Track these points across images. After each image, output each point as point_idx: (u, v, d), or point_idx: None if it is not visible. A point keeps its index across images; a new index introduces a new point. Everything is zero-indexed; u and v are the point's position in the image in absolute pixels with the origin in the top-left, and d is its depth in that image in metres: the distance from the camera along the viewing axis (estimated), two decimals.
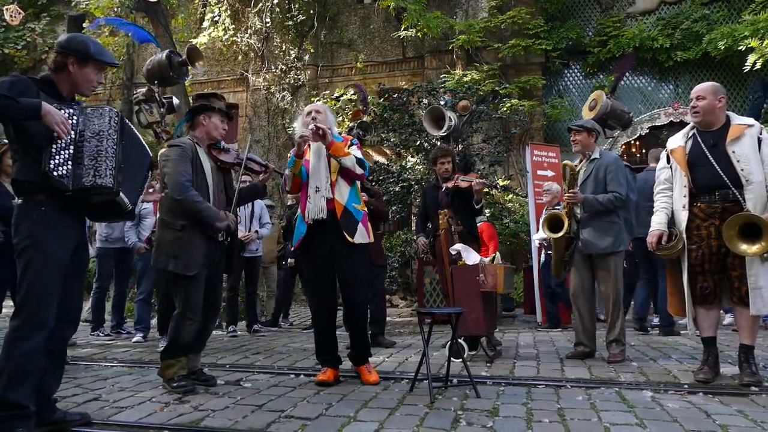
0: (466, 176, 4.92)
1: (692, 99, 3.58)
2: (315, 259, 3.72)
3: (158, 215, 3.62)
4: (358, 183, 3.82)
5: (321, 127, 3.56)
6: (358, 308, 3.76)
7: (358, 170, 3.65)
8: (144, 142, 2.97)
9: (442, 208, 4.90)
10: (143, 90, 5.66)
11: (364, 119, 8.02)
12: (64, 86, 2.70)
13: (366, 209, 3.85)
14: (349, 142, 3.77)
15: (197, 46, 6.69)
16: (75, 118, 2.58)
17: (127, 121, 2.83)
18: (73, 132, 2.55)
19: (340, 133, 4.13)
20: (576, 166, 4.58)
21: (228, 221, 3.55)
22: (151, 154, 3.02)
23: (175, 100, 5.72)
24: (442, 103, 7.87)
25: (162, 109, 5.57)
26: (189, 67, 5.89)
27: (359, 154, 3.72)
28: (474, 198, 4.83)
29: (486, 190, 5.46)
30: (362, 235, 3.68)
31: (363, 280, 3.80)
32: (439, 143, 8.36)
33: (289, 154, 3.83)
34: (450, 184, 4.90)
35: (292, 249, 4.13)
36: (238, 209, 6.27)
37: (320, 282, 3.74)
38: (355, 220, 3.66)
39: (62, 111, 2.54)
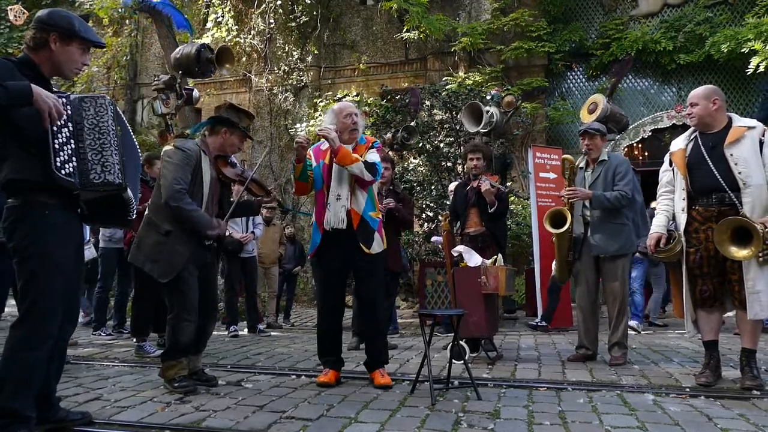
0: (487, 178, 4.90)
1: (688, 105, 3.60)
2: (328, 266, 3.70)
3: (145, 213, 3.57)
4: (375, 189, 3.74)
5: (323, 135, 3.55)
6: (377, 315, 3.73)
7: (366, 177, 3.56)
8: (133, 136, 2.82)
9: (470, 206, 4.91)
10: (165, 78, 5.56)
11: (411, 123, 7.92)
12: (45, 67, 2.46)
13: (380, 216, 3.78)
14: (370, 145, 3.72)
15: (230, 48, 6.64)
16: (68, 108, 2.39)
17: (117, 108, 2.65)
18: (70, 124, 2.38)
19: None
20: (578, 165, 4.57)
21: (220, 230, 3.52)
22: (139, 148, 2.91)
23: (196, 93, 5.68)
24: (489, 97, 7.84)
25: (179, 101, 5.51)
26: (215, 67, 5.82)
27: (375, 158, 3.64)
28: (487, 201, 4.81)
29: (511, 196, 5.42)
30: (378, 244, 3.64)
31: (381, 287, 3.77)
32: (442, 144, 8.40)
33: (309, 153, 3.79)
34: (475, 184, 4.90)
35: (309, 257, 4.04)
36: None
37: (332, 287, 3.73)
38: (372, 230, 3.61)
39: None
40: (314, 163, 3.73)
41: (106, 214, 2.73)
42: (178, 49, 5.71)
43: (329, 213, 3.59)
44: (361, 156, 3.62)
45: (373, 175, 3.57)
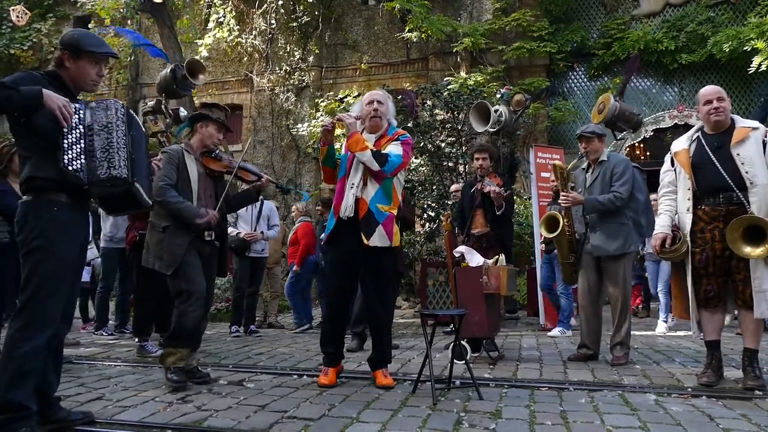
0: (491, 181, 4.90)
1: (712, 101, 3.49)
2: (337, 254, 3.72)
3: (149, 218, 3.78)
4: (394, 182, 3.68)
5: (341, 118, 3.67)
6: (378, 312, 3.70)
7: (374, 167, 3.50)
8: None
9: (475, 207, 4.93)
10: (152, 103, 5.91)
11: (409, 125, 7.90)
12: (68, 83, 2.69)
13: (395, 212, 3.70)
14: (396, 138, 3.68)
15: (199, 59, 6.90)
16: (81, 112, 2.58)
17: (132, 112, 2.83)
18: (81, 126, 2.56)
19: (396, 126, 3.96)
20: (577, 166, 4.58)
21: (208, 217, 3.64)
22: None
23: (183, 112, 5.94)
24: (498, 96, 7.82)
25: (168, 120, 5.78)
26: (191, 81, 6.06)
27: (393, 150, 3.58)
28: (495, 204, 4.81)
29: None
30: (381, 238, 3.55)
31: (384, 284, 3.72)
32: (443, 144, 8.39)
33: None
34: (479, 186, 4.92)
35: (322, 243, 4.05)
36: (244, 210, 6.35)
37: (339, 278, 3.73)
38: (376, 222, 3.55)
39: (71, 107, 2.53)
40: (343, 152, 3.78)
41: (122, 205, 2.93)
42: (159, 75, 6.22)
43: (344, 201, 3.62)
44: (382, 146, 3.62)
45: (381, 165, 3.51)
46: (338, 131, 6.47)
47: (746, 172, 3.33)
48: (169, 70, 5.95)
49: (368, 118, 3.71)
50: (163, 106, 5.89)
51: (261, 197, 6.43)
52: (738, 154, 3.37)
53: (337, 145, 4.07)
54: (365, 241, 3.53)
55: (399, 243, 3.74)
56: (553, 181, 7.40)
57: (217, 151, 3.90)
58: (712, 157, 3.44)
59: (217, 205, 3.78)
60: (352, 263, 3.66)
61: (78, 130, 2.54)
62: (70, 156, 2.50)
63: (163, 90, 5.98)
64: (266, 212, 6.55)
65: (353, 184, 3.60)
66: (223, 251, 3.91)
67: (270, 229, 6.53)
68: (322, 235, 3.90)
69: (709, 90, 3.59)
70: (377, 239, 3.55)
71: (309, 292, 7.33)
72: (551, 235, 4.47)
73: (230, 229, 6.21)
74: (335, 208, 3.69)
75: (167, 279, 3.62)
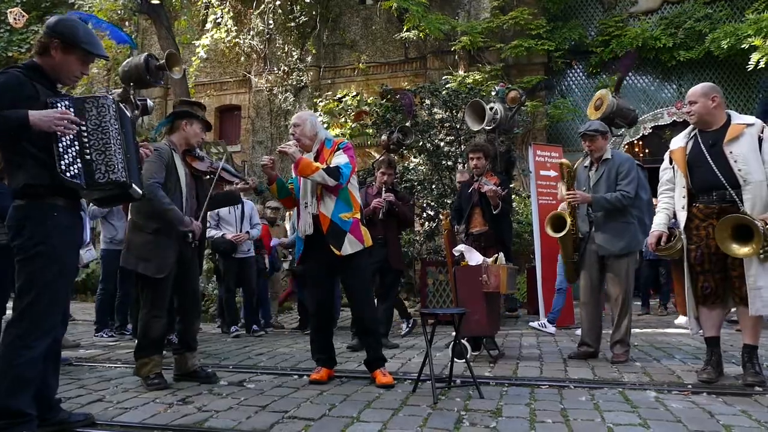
0: (488, 180, 4.89)
1: (686, 104, 3.61)
2: (311, 269, 3.81)
3: (129, 217, 3.70)
4: (350, 188, 3.73)
5: (282, 151, 3.64)
6: (363, 316, 3.78)
7: (330, 183, 3.56)
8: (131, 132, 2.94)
9: (473, 206, 4.94)
10: (118, 91, 5.72)
11: (407, 124, 7.91)
12: (48, 72, 2.53)
13: (358, 216, 3.74)
14: (336, 147, 3.72)
15: (176, 52, 6.80)
16: (72, 110, 2.43)
17: (122, 106, 2.72)
18: (73, 126, 2.43)
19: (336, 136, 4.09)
20: (580, 164, 4.57)
21: (192, 227, 3.63)
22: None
23: (150, 102, 5.79)
24: (493, 93, 7.82)
25: (136, 111, 5.65)
26: (164, 73, 5.95)
27: (340, 160, 3.62)
28: (492, 203, 4.82)
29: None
30: (352, 244, 3.63)
31: (365, 287, 3.79)
32: (442, 143, 8.39)
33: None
34: (476, 185, 4.92)
35: (296, 264, 4.15)
36: (227, 212, 6.31)
37: (318, 287, 3.80)
38: (342, 231, 3.62)
39: (58, 105, 2.41)
40: (294, 175, 3.81)
41: (115, 201, 3.02)
42: (125, 63, 5.87)
43: (302, 221, 3.69)
44: (327, 160, 3.65)
45: (336, 179, 3.56)
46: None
47: (739, 170, 3.32)
48: (142, 59, 5.68)
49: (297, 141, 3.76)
50: (131, 96, 5.73)
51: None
52: (731, 152, 3.36)
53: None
54: (337, 252, 3.59)
55: (371, 242, 3.79)
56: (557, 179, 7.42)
57: (198, 151, 3.88)
58: (706, 155, 3.44)
59: (203, 205, 3.79)
60: (328, 272, 3.75)
61: (72, 132, 2.42)
62: (67, 161, 2.40)
63: (132, 79, 5.68)
64: (248, 212, 6.54)
65: (306, 203, 3.68)
66: (200, 251, 3.94)
67: (253, 228, 6.52)
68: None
69: (689, 92, 3.62)
70: (349, 247, 3.62)
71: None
72: (558, 235, 4.44)
73: (214, 231, 6.19)
74: (299, 229, 3.74)
75: (142, 280, 3.58)
